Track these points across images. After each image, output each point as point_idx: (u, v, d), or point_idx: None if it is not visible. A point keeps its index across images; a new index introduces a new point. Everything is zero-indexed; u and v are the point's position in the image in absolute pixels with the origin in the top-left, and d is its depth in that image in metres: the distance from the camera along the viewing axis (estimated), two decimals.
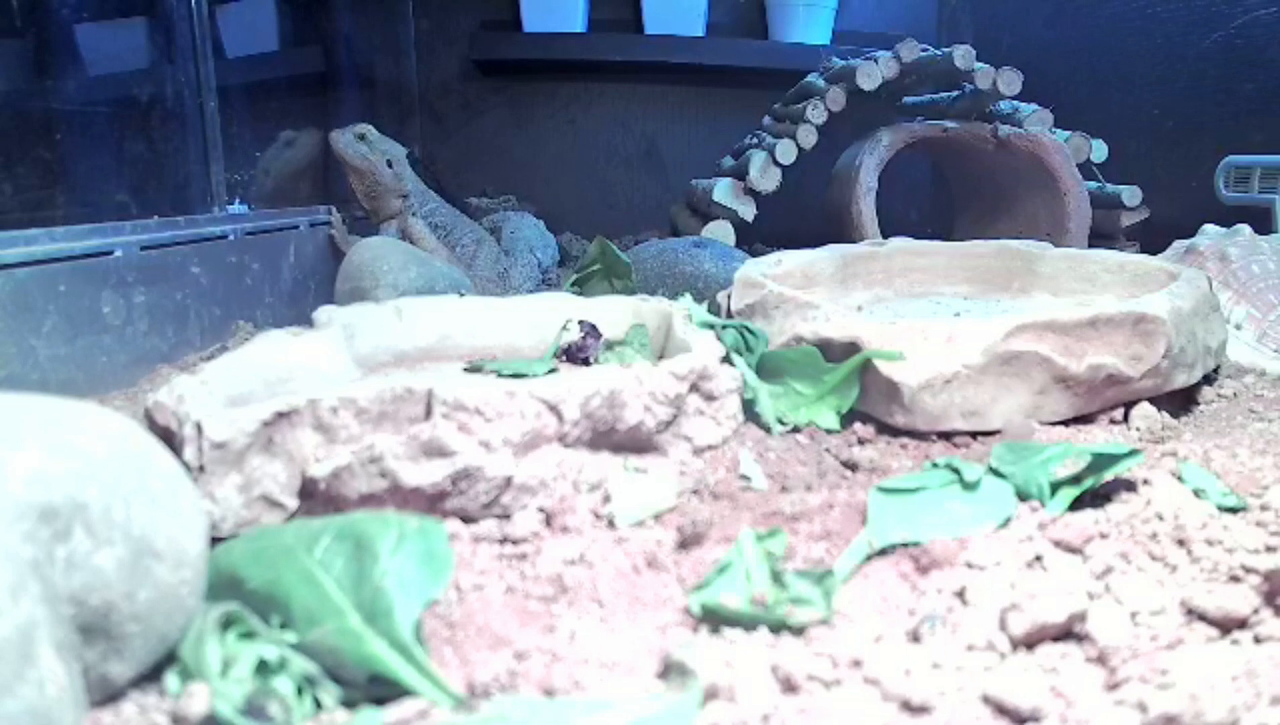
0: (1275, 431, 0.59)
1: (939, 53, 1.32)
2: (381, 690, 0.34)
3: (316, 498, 0.47)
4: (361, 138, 1.22)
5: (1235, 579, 0.40)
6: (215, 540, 0.39)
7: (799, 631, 0.38)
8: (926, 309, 0.87)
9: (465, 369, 0.70)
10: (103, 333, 0.76)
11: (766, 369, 0.65)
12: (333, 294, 1.03)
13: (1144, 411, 0.63)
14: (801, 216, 1.53)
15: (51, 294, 0.71)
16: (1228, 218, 0.94)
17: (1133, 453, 0.48)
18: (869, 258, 0.93)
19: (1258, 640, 0.36)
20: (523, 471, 0.49)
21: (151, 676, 0.34)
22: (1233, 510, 0.46)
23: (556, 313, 0.75)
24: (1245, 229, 0.89)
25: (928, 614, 0.39)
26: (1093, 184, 1.31)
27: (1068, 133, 1.32)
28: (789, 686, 0.34)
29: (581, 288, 0.92)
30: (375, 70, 1.78)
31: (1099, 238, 1.30)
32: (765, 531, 0.43)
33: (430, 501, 0.47)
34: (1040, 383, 0.61)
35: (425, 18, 1.88)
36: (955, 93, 1.43)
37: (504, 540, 0.47)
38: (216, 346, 0.90)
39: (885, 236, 1.02)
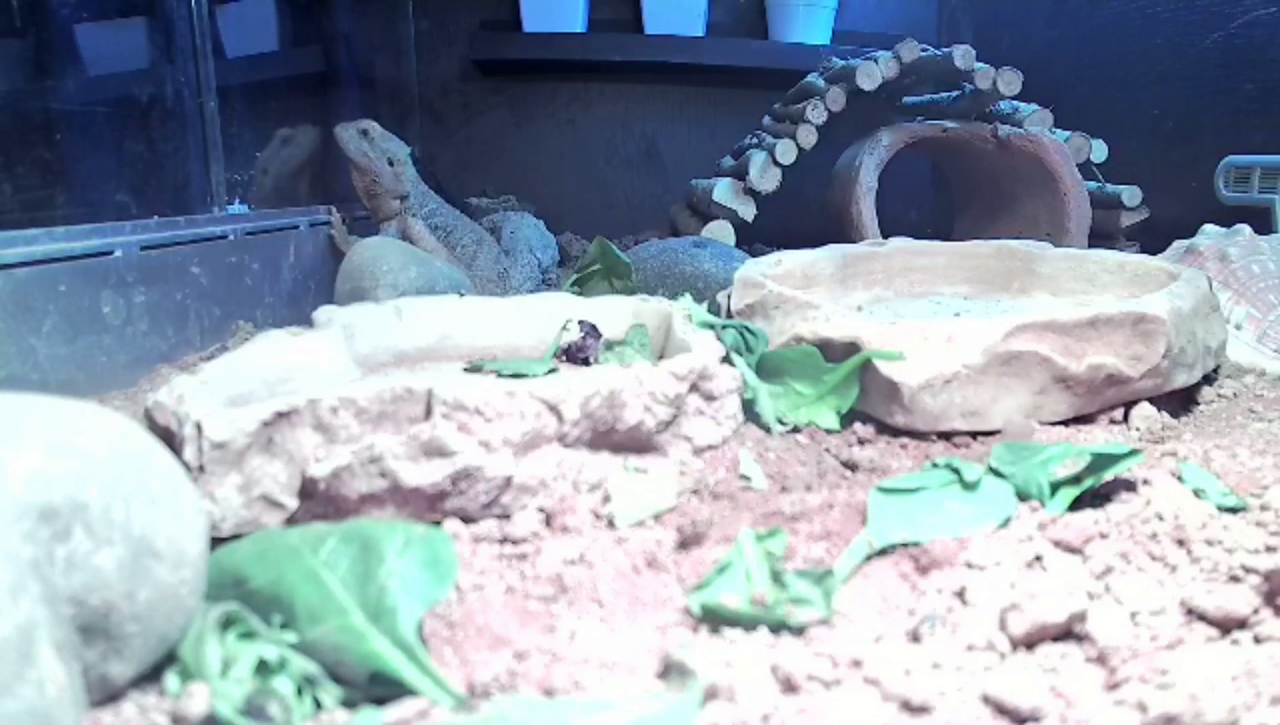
0: (1275, 431, 0.59)
1: (939, 53, 1.32)
2: (382, 690, 0.34)
3: (316, 498, 0.47)
4: (364, 134, 1.21)
5: (1235, 579, 0.40)
6: (216, 540, 0.39)
7: (799, 631, 0.38)
8: (926, 309, 0.87)
9: (465, 369, 0.70)
10: (103, 333, 0.76)
11: (766, 369, 0.65)
12: (333, 294, 1.03)
13: (1144, 411, 0.63)
14: (801, 216, 1.53)
15: (51, 294, 0.71)
16: (1228, 218, 0.94)
17: (1133, 453, 0.48)
18: (869, 258, 0.93)
19: (1258, 640, 0.36)
20: (523, 471, 0.49)
21: (151, 676, 0.34)
22: (1233, 510, 0.46)
23: (556, 313, 0.75)
24: (1245, 229, 0.89)
25: (928, 614, 0.39)
26: (1093, 184, 1.31)
27: (1068, 133, 1.32)
28: (789, 686, 0.34)
29: (581, 288, 0.92)
30: (375, 70, 1.78)
31: (1099, 238, 1.30)
32: (765, 531, 0.43)
33: (430, 501, 0.47)
34: (1040, 383, 0.61)
35: (425, 18, 1.88)
36: (955, 93, 1.43)
37: (504, 540, 0.47)
38: (216, 346, 0.90)
39: (885, 236, 1.02)
